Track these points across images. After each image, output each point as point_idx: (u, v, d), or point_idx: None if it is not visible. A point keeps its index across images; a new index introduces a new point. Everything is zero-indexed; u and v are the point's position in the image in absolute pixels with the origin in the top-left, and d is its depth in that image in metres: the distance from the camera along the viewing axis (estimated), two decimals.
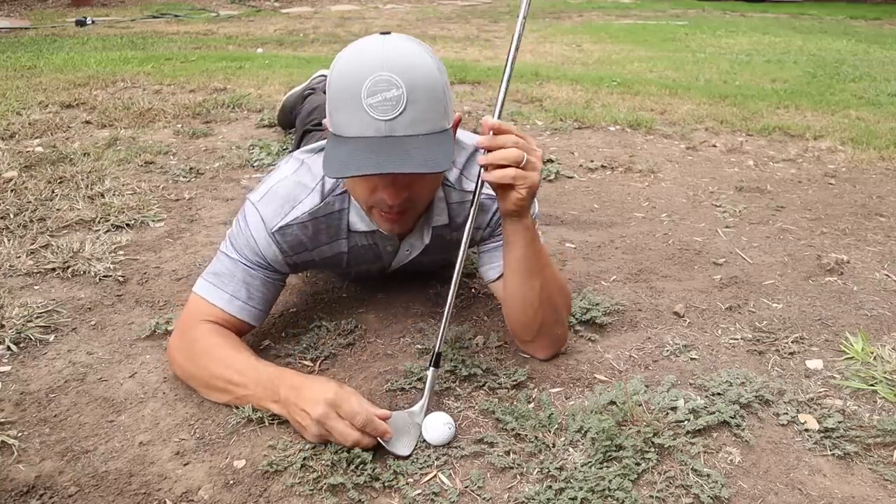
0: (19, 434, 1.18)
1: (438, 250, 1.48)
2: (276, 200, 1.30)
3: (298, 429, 1.14)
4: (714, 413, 1.23)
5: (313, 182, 1.32)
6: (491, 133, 1.12)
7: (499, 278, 1.38)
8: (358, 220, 1.34)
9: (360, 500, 1.04)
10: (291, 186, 1.31)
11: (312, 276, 1.77)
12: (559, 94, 4.03)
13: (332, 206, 1.33)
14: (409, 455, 1.13)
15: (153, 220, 2.08)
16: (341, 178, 1.16)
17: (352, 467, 1.09)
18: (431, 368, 1.22)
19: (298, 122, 2.54)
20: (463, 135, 1.40)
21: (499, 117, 1.15)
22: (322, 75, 2.89)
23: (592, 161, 2.80)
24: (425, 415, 1.18)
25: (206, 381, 1.26)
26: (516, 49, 1.13)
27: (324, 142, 1.45)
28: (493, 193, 1.20)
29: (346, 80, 1.10)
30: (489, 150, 1.12)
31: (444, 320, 1.22)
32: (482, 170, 1.14)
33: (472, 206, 1.21)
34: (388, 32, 1.15)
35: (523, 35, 1.14)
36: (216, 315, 1.30)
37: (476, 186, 1.19)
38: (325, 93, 2.65)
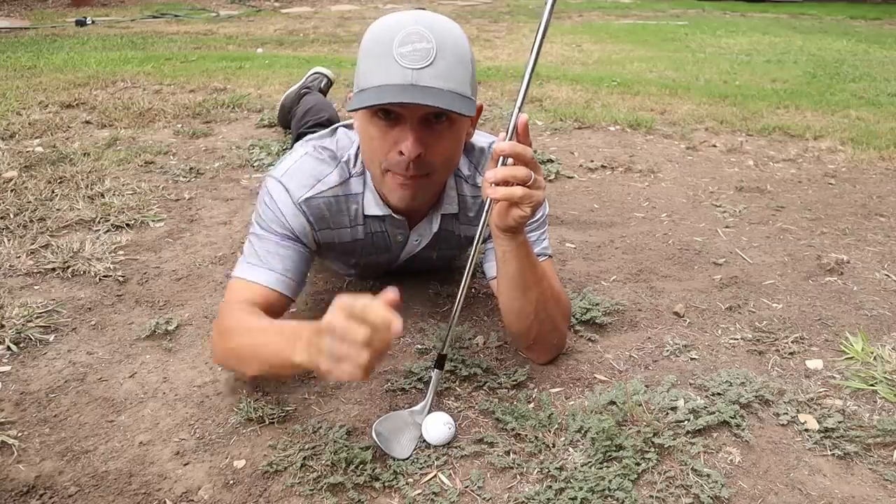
0: (19, 434, 1.18)
1: (446, 244, 1.48)
2: (301, 174, 1.32)
3: (318, 363, 0.96)
4: (714, 413, 1.23)
5: (333, 162, 1.34)
6: (501, 157, 1.09)
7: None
8: (372, 203, 1.34)
9: (360, 500, 1.04)
10: (314, 163, 1.33)
11: (312, 275, 1.77)
12: (559, 94, 4.03)
13: (350, 188, 1.34)
14: (409, 456, 1.13)
15: (153, 220, 2.08)
16: (363, 108, 1.14)
17: (352, 467, 1.09)
18: (435, 370, 1.21)
19: (293, 124, 2.54)
20: (476, 133, 1.41)
21: (520, 109, 1.09)
22: (317, 72, 2.90)
23: (592, 161, 2.80)
24: (425, 415, 1.18)
25: (237, 352, 1.20)
26: (539, 45, 1.06)
27: (332, 127, 1.46)
28: None
29: (378, 33, 1.15)
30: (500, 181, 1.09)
31: (451, 323, 1.21)
32: (490, 185, 1.09)
33: (483, 218, 1.16)
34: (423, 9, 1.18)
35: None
36: (253, 293, 1.26)
37: (486, 204, 1.14)
38: (320, 91, 2.64)
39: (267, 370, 1.17)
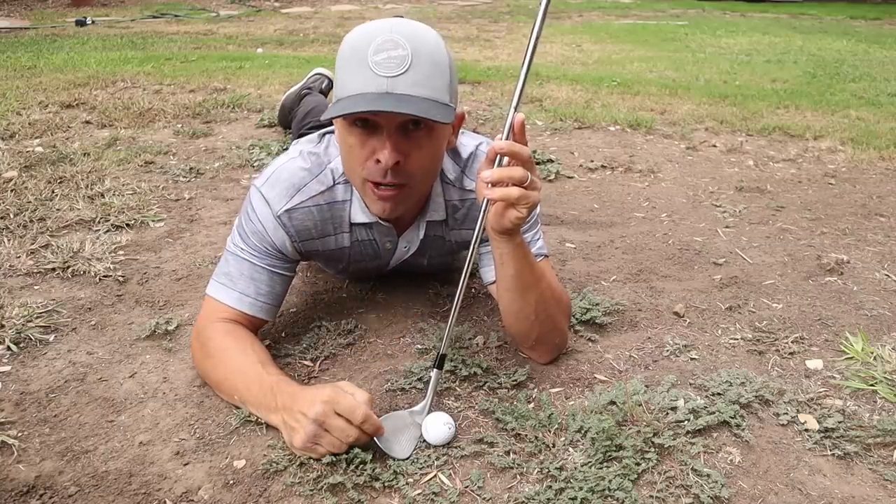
0: (19, 434, 1.18)
1: (436, 251, 1.47)
2: (281, 184, 1.31)
3: (290, 436, 1.11)
4: (714, 413, 1.23)
5: (317, 169, 1.33)
6: (498, 157, 1.09)
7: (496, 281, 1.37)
8: (359, 212, 1.34)
9: (359, 500, 1.04)
10: (295, 170, 1.32)
11: (312, 276, 1.77)
12: (559, 94, 4.03)
13: (336, 195, 1.33)
14: (409, 456, 1.13)
15: (153, 220, 2.08)
16: (337, 117, 1.15)
17: (351, 467, 1.09)
18: (435, 370, 1.21)
19: (294, 125, 2.54)
20: (465, 135, 1.40)
21: (516, 108, 1.09)
22: (318, 73, 2.89)
23: (592, 161, 2.80)
24: (425, 415, 1.18)
25: (216, 384, 1.28)
26: (534, 46, 1.07)
27: (321, 132, 1.46)
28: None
29: (354, 42, 1.14)
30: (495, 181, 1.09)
31: (449, 322, 1.20)
32: (486, 186, 1.09)
33: (480, 219, 1.15)
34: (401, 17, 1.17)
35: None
36: (229, 313, 1.31)
37: (483, 205, 1.13)
38: (321, 92, 2.64)
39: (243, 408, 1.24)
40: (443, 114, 1.12)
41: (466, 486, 1.08)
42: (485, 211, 1.13)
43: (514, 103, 1.07)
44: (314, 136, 1.41)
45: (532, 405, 1.27)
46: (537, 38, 1.05)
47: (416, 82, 1.10)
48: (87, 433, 1.18)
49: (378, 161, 1.16)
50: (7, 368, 1.36)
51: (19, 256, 1.79)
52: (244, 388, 1.21)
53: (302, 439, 1.08)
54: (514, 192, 1.07)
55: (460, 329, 1.49)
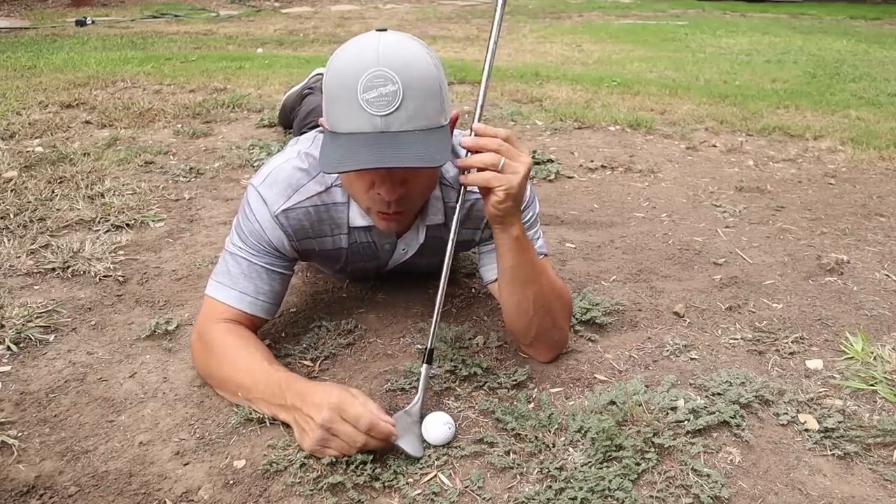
0: (19, 434, 1.18)
1: (435, 252, 1.48)
2: (279, 183, 1.31)
3: (300, 436, 1.13)
4: (714, 413, 1.23)
5: (315, 170, 1.32)
6: (474, 135, 1.14)
7: (496, 280, 1.38)
8: (358, 216, 1.35)
9: (359, 500, 1.04)
10: (292, 171, 1.32)
11: (312, 276, 1.77)
12: (559, 94, 4.03)
13: (335, 196, 1.33)
14: (422, 456, 1.13)
15: (153, 220, 2.08)
16: (337, 173, 1.16)
17: (352, 467, 1.09)
18: (424, 365, 1.22)
19: (296, 124, 2.55)
20: (462, 136, 1.41)
21: (479, 119, 1.16)
22: (319, 73, 2.89)
23: (592, 161, 2.80)
24: (421, 411, 1.18)
25: (220, 382, 1.28)
26: (493, 48, 1.14)
27: (318, 129, 1.46)
28: None
29: (341, 76, 1.11)
30: (472, 152, 1.15)
31: (434, 317, 1.22)
32: (460, 173, 1.16)
33: (457, 204, 1.20)
34: (385, 29, 1.16)
35: (501, 35, 1.16)
36: (229, 313, 1.31)
37: (459, 189, 1.20)
38: (322, 91, 2.63)
39: (247, 406, 1.24)
40: (441, 148, 1.12)
41: (466, 486, 1.08)
42: (462, 198, 1.20)
43: (476, 114, 1.16)
44: (310, 135, 1.41)
45: (532, 405, 1.27)
46: (493, 52, 1.14)
47: (411, 117, 1.10)
48: (87, 433, 1.18)
49: (379, 193, 1.18)
50: (7, 368, 1.36)
51: (19, 256, 1.79)
52: (251, 385, 1.21)
53: (311, 443, 1.10)
54: (487, 175, 1.11)
55: (460, 329, 1.49)
